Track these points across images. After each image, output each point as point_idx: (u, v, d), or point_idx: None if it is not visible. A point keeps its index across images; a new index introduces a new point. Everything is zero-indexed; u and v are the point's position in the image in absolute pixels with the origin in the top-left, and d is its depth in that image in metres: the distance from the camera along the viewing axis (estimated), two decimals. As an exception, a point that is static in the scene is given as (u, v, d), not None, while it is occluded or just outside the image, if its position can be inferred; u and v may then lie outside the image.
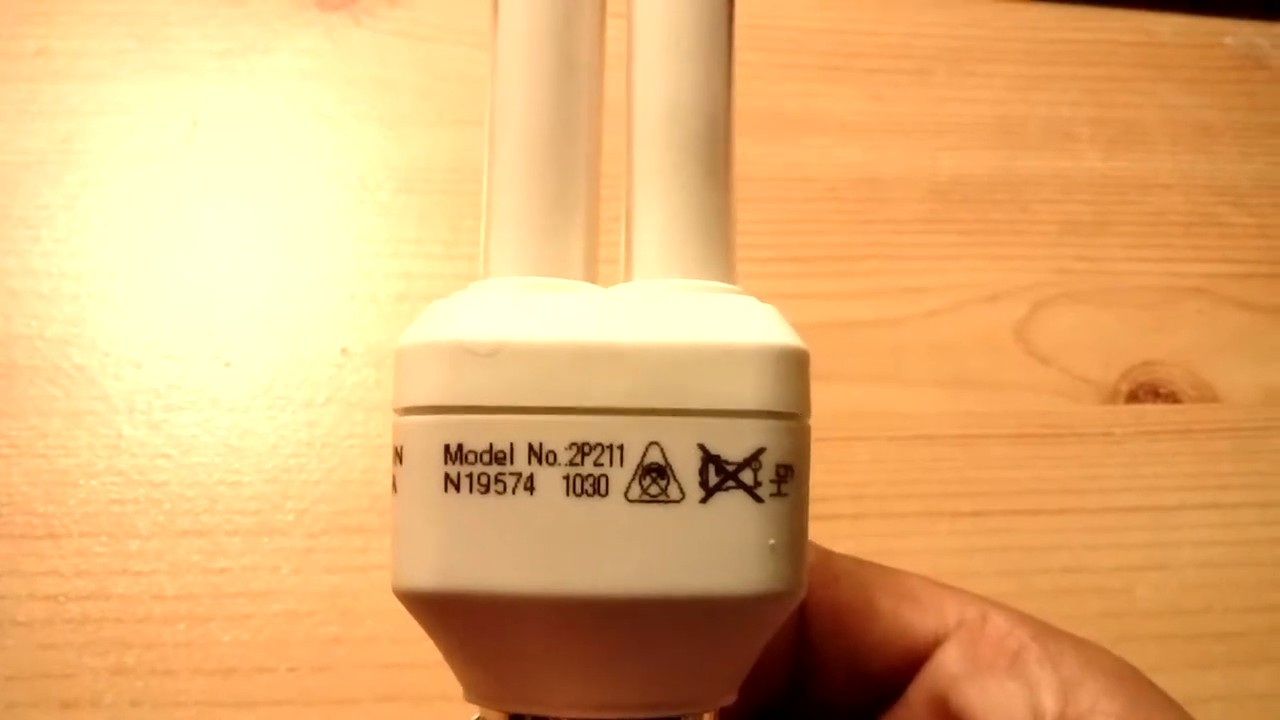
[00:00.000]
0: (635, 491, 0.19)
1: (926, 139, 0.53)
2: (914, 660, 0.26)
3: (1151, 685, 0.25)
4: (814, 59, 0.54)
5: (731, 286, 0.22)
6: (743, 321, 0.21)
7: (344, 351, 0.46)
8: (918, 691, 0.26)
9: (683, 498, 0.19)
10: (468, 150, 0.49)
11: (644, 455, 0.19)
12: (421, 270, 0.48)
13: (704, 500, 0.19)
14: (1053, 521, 0.46)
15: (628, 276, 0.23)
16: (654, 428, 0.19)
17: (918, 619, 0.26)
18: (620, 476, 0.19)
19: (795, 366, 0.21)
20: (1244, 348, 0.50)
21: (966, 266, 0.50)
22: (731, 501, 0.20)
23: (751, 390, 0.20)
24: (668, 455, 0.19)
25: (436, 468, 0.20)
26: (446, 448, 0.20)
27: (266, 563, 0.42)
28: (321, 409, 0.45)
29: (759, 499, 0.20)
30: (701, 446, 0.19)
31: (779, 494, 0.20)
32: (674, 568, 0.19)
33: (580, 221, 0.23)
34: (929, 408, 0.47)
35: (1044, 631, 0.25)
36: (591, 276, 0.23)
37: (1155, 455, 0.47)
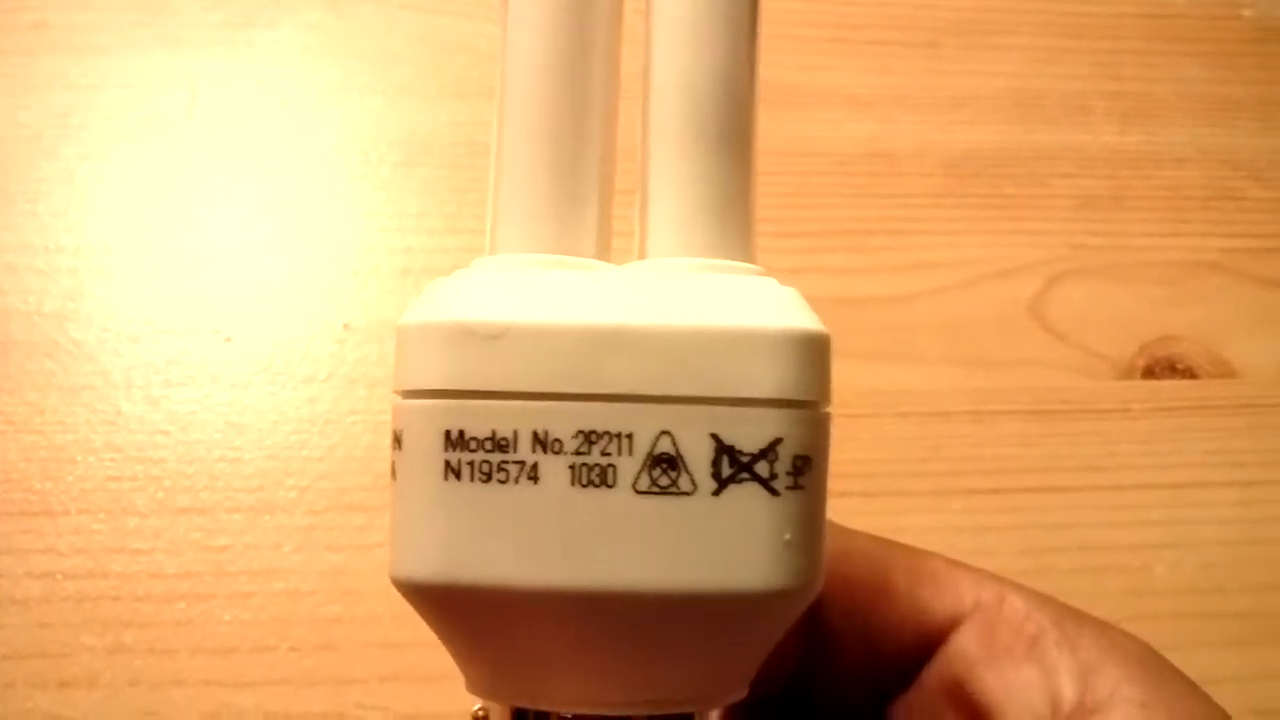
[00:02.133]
0: (644, 482, 0.19)
1: (938, 112, 0.52)
2: (929, 642, 0.25)
3: (1173, 669, 0.24)
4: (822, 31, 0.53)
5: (751, 266, 0.21)
6: (761, 304, 0.20)
7: (346, 327, 0.45)
8: (933, 675, 0.25)
9: (694, 490, 0.19)
10: (471, 123, 0.48)
11: (654, 445, 0.19)
12: (424, 245, 0.47)
13: (716, 493, 0.19)
14: (1069, 499, 0.45)
15: (641, 254, 0.22)
16: (665, 416, 0.19)
17: (934, 600, 0.25)
18: (629, 467, 0.19)
19: (816, 353, 0.20)
20: (1262, 323, 0.49)
21: (979, 242, 0.50)
22: (745, 494, 0.19)
23: (768, 378, 0.19)
24: (679, 445, 0.19)
25: (436, 454, 0.19)
26: (447, 434, 0.19)
27: (267, 541, 0.42)
28: (323, 385, 0.44)
29: (774, 492, 0.19)
30: (714, 436, 0.19)
31: (795, 487, 0.19)
32: (683, 563, 0.19)
33: (592, 197, 0.22)
34: (942, 385, 0.47)
35: (1063, 615, 0.25)
36: (604, 254, 0.22)
37: (1172, 431, 0.47)
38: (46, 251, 0.46)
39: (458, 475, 0.19)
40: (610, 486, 0.19)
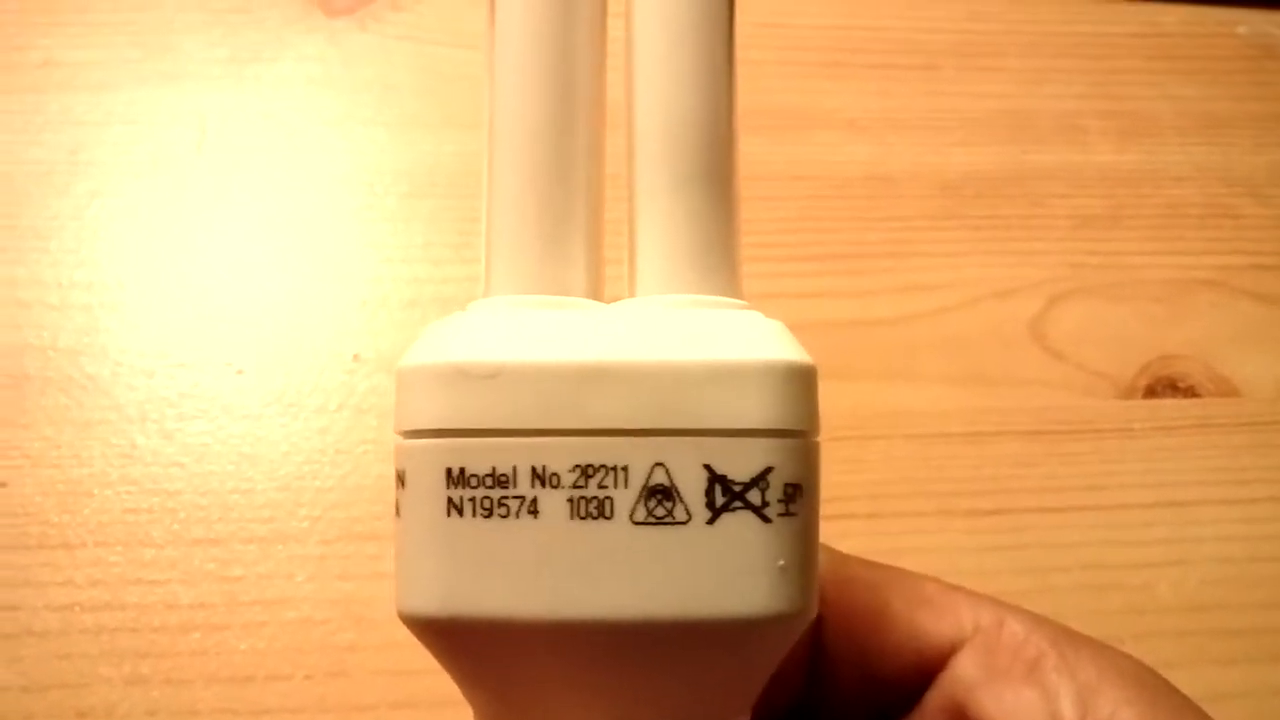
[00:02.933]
0: (641, 513, 0.19)
1: (935, 134, 0.52)
2: (929, 667, 0.25)
3: (1171, 689, 0.24)
4: (819, 55, 0.54)
5: (737, 301, 0.22)
6: (748, 338, 0.20)
7: (356, 358, 0.46)
8: (934, 700, 0.25)
9: (689, 519, 0.19)
10: (475, 153, 0.46)
11: (649, 476, 0.19)
12: (431, 275, 0.47)
13: (711, 521, 0.19)
14: (1070, 518, 0.45)
15: (631, 292, 0.22)
16: (659, 448, 0.19)
17: (932, 624, 0.25)
18: (625, 498, 0.19)
19: (802, 383, 0.20)
20: (1261, 340, 0.49)
21: (978, 262, 0.50)
22: (739, 522, 0.19)
23: (757, 408, 0.19)
24: (673, 476, 0.19)
25: (439, 491, 0.20)
26: (449, 471, 0.20)
27: (281, 570, 0.42)
28: (334, 415, 0.44)
29: (767, 519, 0.19)
30: (707, 467, 0.19)
31: (787, 514, 0.20)
32: (681, 590, 0.19)
33: (581, 238, 0.22)
34: (943, 405, 0.47)
35: (1062, 637, 0.25)
36: (595, 292, 0.22)
37: (1174, 450, 0.47)
38: (60, 287, 0.46)
39: (460, 511, 0.19)
40: (608, 518, 0.19)
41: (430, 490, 0.20)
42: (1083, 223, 0.51)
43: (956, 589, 0.26)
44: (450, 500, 0.19)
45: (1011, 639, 0.25)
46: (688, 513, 0.19)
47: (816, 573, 0.21)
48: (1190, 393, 0.48)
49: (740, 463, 0.19)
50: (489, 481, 0.19)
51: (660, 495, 0.19)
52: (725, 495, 0.19)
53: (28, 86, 0.50)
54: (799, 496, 0.20)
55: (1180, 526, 0.45)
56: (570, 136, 0.22)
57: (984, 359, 0.48)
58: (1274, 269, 0.51)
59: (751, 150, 0.49)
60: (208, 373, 0.45)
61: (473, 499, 0.19)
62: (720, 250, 0.22)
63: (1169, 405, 0.48)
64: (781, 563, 0.19)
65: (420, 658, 0.22)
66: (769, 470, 0.19)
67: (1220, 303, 0.50)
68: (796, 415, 0.20)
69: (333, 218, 0.49)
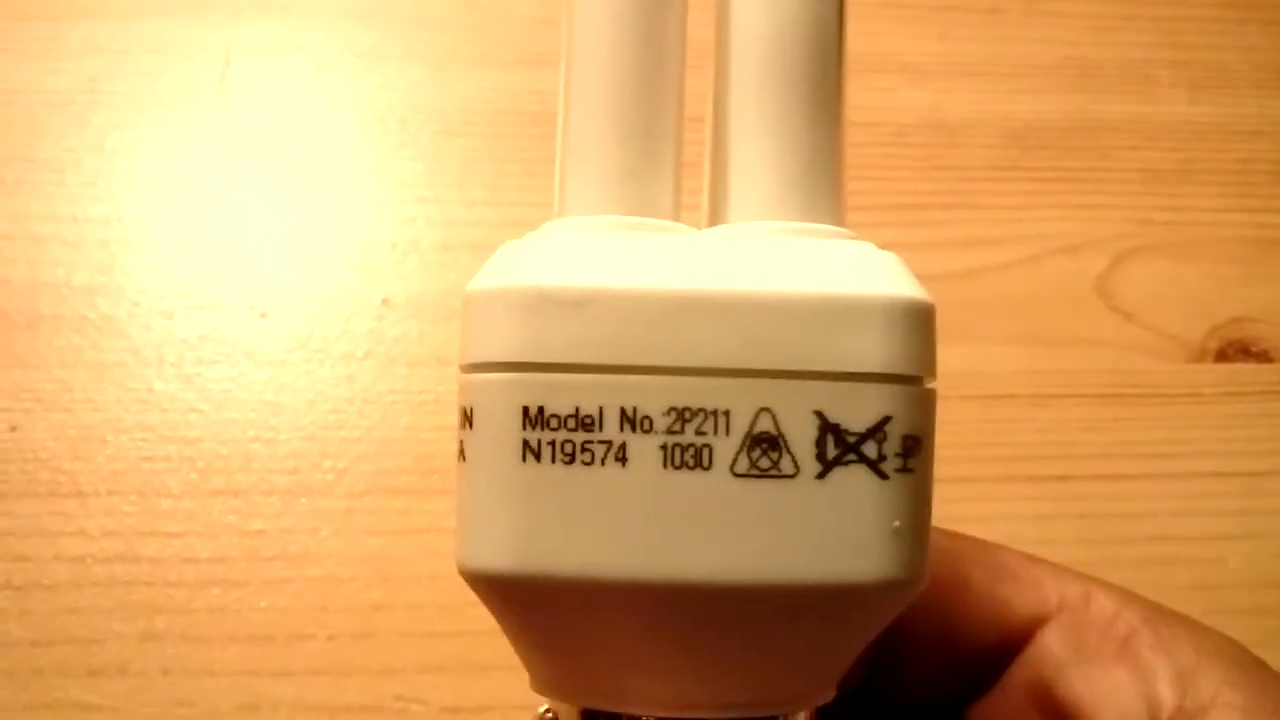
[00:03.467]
0: (743, 464, 0.17)
1: (999, 81, 0.51)
2: (1011, 643, 0.24)
3: (1273, 672, 0.23)
4: (881, -4, 0.52)
5: (843, 230, 0.20)
6: (862, 270, 0.19)
7: (385, 302, 0.44)
8: (1017, 678, 0.24)
9: (797, 472, 0.17)
10: (513, 92, 0.47)
11: (753, 423, 0.17)
12: (466, 217, 0.46)
13: (821, 475, 0.17)
14: (1138, 487, 0.44)
15: (716, 220, 0.21)
16: (765, 392, 0.17)
17: (1015, 598, 0.24)
18: (726, 447, 0.17)
19: (923, 323, 0.19)
20: (1339, 302, 0.48)
21: (1043, 216, 0.48)
22: (852, 478, 0.18)
23: (877, 351, 0.18)
24: (780, 423, 0.17)
25: (514, 433, 0.18)
26: (526, 410, 0.18)
27: (304, 524, 0.41)
28: (361, 363, 0.43)
29: (883, 475, 0.18)
30: (819, 414, 0.17)
31: (905, 470, 0.18)
32: (786, 552, 0.17)
33: (668, 155, 0.20)
34: (1005, 366, 0.45)
35: (1154, 614, 0.24)
36: (679, 218, 0.21)
37: (1246, 417, 0.46)
38: (75, 222, 0.45)
39: (537, 456, 0.18)
40: (706, 469, 0.17)
41: (504, 431, 0.18)
42: (1152, 177, 0.49)
43: (1039, 560, 0.25)
44: (527, 443, 0.18)
45: (1100, 614, 0.24)
46: (795, 465, 0.17)
47: (929, 537, 0.19)
48: (1264, 357, 0.47)
49: (856, 411, 0.18)
50: (572, 423, 0.18)
51: (765, 444, 0.17)
52: (838, 447, 0.18)
53: (47, 12, 0.48)
54: (917, 451, 0.18)
55: (1253, 498, 0.44)
56: (657, 47, 0.20)
57: (1047, 318, 0.47)
58: (1352, 227, 0.49)
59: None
60: (229, 315, 0.44)
61: (553, 442, 0.18)
62: (826, 173, 0.20)
63: (1241, 370, 0.46)
64: (897, 524, 0.18)
65: (451, 619, 0.20)
66: (887, 420, 0.18)
67: (1296, 264, 0.48)
68: (917, 359, 0.18)
69: (363, 156, 0.47)
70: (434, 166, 0.47)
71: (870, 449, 0.18)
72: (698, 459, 0.17)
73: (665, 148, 0.20)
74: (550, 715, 0.21)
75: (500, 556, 0.18)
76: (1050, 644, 0.24)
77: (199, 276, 0.44)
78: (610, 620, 0.18)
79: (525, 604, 0.19)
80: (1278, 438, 0.45)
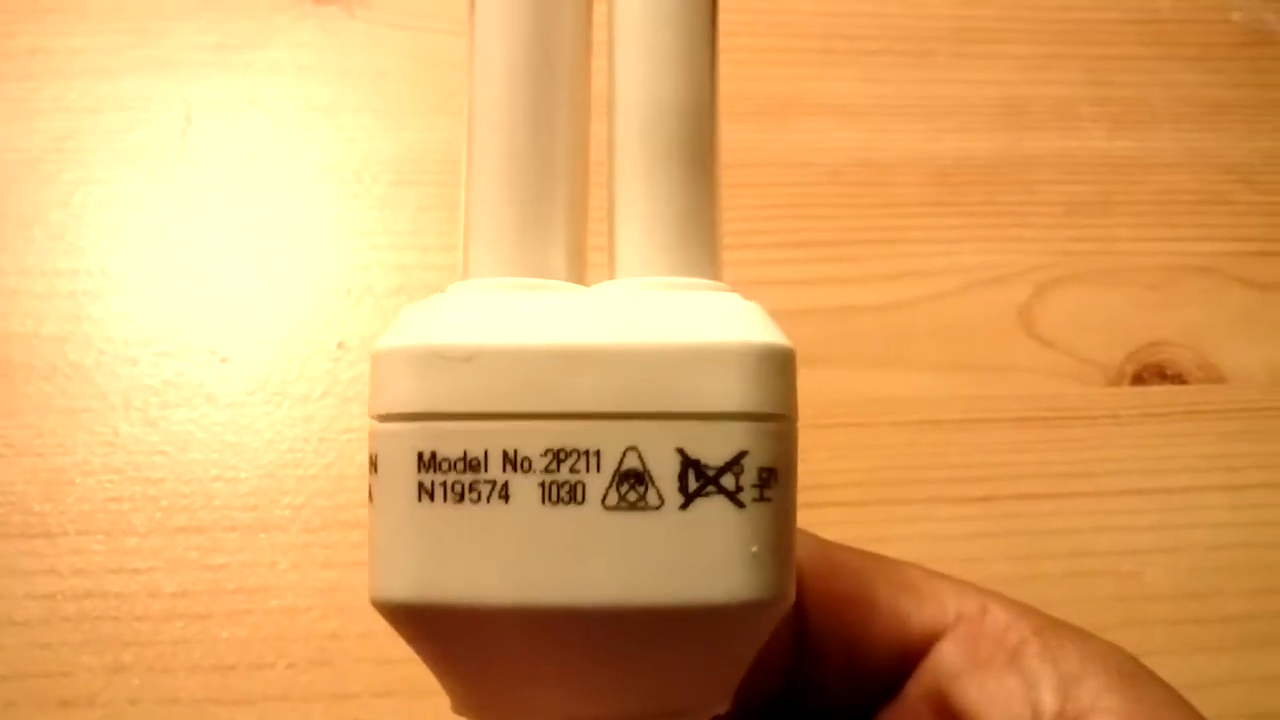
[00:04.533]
0: (613, 498, 0.19)
1: (928, 121, 0.52)
2: (912, 654, 0.25)
3: (1155, 678, 0.24)
4: (812, 42, 0.53)
5: (714, 283, 0.21)
6: (723, 320, 0.20)
7: (340, 346, 0.46)
8: (916, 687, 0.25)
9: (661, 504, 0.19)
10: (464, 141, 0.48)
11: (621, 461, 0.19)
12: (418, 262, 0.47)
13: (684, 506, 0.19)
14: (1060, 505, 0.45)
15: (611, 275, 0.22)
16: (631, 432, 0.19)
17: (916, 611, 0.25)
18: (597, 483, 0.19)
19: (778, 366, 0.20)
20: (1251, 327, 0.49)
21: (970, 249, 0.50)
22: (712, 508, 0.19)
23: (732, 391, 0.19)
24: (645, 460, 0.19)
25: (410, 476, 0.19)
26: (420, 455, 0.19)
27: (264, 559, 0.42)
28: (318, 404, 0.44)
29: (740, 504, 0.19)
30: (680, 451, 0.19)
31: (761, 499, 0.19)
32: (653, 577, 0.19)
33: (560, 220, 0.22)
34: (933, 392, 0.47)
35: (1045, 625, 0.25)
36: (577, 276, 0.22)
37: (1163, 437, 0.47)
38: (44, 275, 0.46)
39: (431, 496, 0.19)
40: (580, 503, 0.19)
41: (402, 474, 0.19)
42: (1074, 209, 0.51)
43: (940, 575, 0.26)
44: (421, 485, 0.19)
45: (994, 626, 0.25)
46: (660, 498, 0.19)
47: (793, 559, 0.20)
48: (1178, 379, 0.48)
49: (714, 446, 0.19)
50: (460, 465, 0.19)
51: (633, 480, 0.19)
52: (698, 480, 0.19)
53: (17, 74, 0.50)
54: (774, 482, 0.19)
55: (1169, 513, 0.45)
56: (550, 118, 0.22)
57: (974, 346, 0.48)
58: (1266, 256, 0.51)
59: (742, 136, 0.49)
60: (192, 361, 0.45)
61: (444, 483, 0.19)
62: (698, 232, 0.22)
63: (1157, 392, 0.48)
64: (755, 549, 0.19)
65: (403, 646, 0.21)
66: (743, 454, 0.19)
67: (1212, 289, 0.50)
68: (772, 398, 0.19)
69: (319, 205, 0.48)
70: (388, 214, 0.48)
71: (728, 481, 0.19)
72: (572, 494, 0.19)
73: (558, 212, 0.22)
74: (470, 735, 0.22)
75: (400, 587, 0.19)
76: (946, 654, 0.25)
77: (162, 324, 0.45)
78: (503, 642, 0.19)
79: (427, 630, 0.20)
80: (1192, 456, 0.46)
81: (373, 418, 0.20)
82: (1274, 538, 0.45)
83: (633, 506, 0.19)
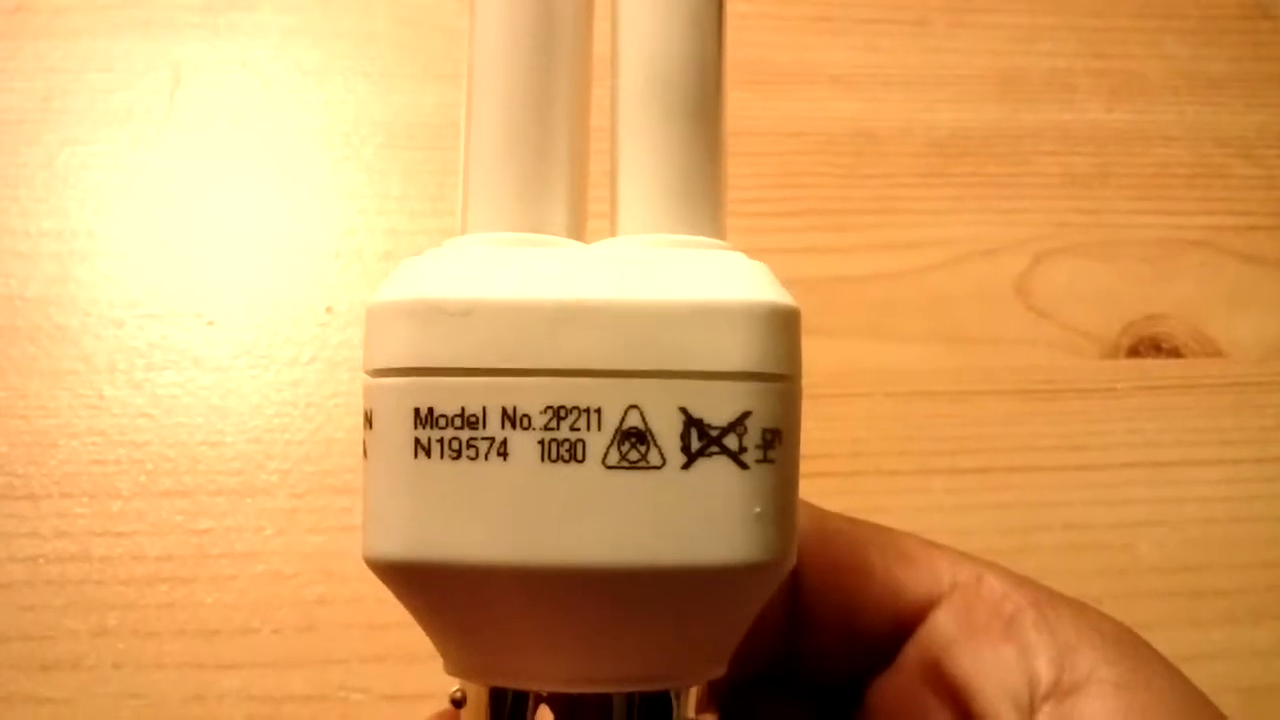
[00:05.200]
0: (614, 457, 0.19)
1: (924, 91, 0.52)
2: (907, 623, 0.25)
3: (1150, 650, 0.24)
4: (808, 9, 0.53)
5: (718, 242, 0.21)
6: (728, 278, 0.20)
7: (328, 310, 0.45)
8: (910, 655, 0.25)
9: (663, 464, 0.19)
10: (454, 105, 0.46)
11: (623, 419, 0.19)
12: (408, 227, 0.47)
13: (686, 466, 0.19)
14: (1053, 478, 0.45)
15: (613, 233, 0.22)
16: (633, 390, 0.19)
17: (911, 580, 0.25)
18: (598, 441, 0.19)
19: (783, 325, 0.20)
20: (1247, 301, 0.49)
21: (965, 220, 0.49)
22: (715, 468, 0.19)
23: (736, 350, 0.19)
24: (647, 419, 0.19)
25: (406, 432, 0.19)
26: (417, 411, 0.19)
27: (250, 523, 0.42)
28: (306, 368, 0.44)
29: (744, 465, 0.19)
30: (683, 410, 0.19)
31: (765, 460, 0.19)
32: (654, 537, 0.19)
33: (562, 175, 0.22)
34: (926, 364, 0.47)
35: (1041, 596, 0.25)
36: (576, 232, 0.22)
37: (1157, 410, 0.47)
38: (29, 236, 0.45)
39: (428, 453, 0.19)
40: (580, 461, 0.19)
41: (398, 431, 0.19)
42: (1070, 181, 0.51)
43: (936, 545, 0.26)
44: (418, 441, 0.19)
45: (990, 595, 0.25)
46: (662, 457, 0.19)
47: (795, 522, 0.20)
48: (1173, 353, 0.48)
49: (717, 406, 0.19)
50: (458, 422, 0.19)
51: (634, 438, 0.19)
52: (701, 439, 0.19)
53: (1, 33, 0.49)
54: (778, 443, 0.19)
55: (1162, 487, 0.45)
56: (551, 74, 0.22)
57: (968, 317, 0.48)
58: (1263, 229, 0.51)
59: (738, 105, 0.49)
60: (178, 324, 0.45)
61: (441, 440, 0.19)
62: (702, 190, 0.21)
63: (1152, 365, 0.48)
64: (758, 510, 0.19)
65: (391, 611, 0.21)
66: (747, 415, 0.19)
67: (1208, 263, 0.50)
68: (777, 358, 0.19)
69: (308, 168, 0.48)
70: (377, 178, 0.48)
71: (731, 441, 0.19)
72: (572, 453, 0.18)
73: (559, 168, 0.22)
74: (460, 695, 0.22)
75: (396, 545, 0.19)
76: (941, 623, 0.25)
77: (148, 286, 0.45)
78: (500, 602, 0.19)
79: (423, 589, 0.20)
80: (1186, 429, 0.46)
81: (367, 373, 0.20)
82: (1266, 512, 0.45)
83: (634, 466, 0.19)
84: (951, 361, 0.47)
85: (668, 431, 0.19)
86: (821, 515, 0.26)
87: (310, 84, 0.49)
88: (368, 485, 0.20)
